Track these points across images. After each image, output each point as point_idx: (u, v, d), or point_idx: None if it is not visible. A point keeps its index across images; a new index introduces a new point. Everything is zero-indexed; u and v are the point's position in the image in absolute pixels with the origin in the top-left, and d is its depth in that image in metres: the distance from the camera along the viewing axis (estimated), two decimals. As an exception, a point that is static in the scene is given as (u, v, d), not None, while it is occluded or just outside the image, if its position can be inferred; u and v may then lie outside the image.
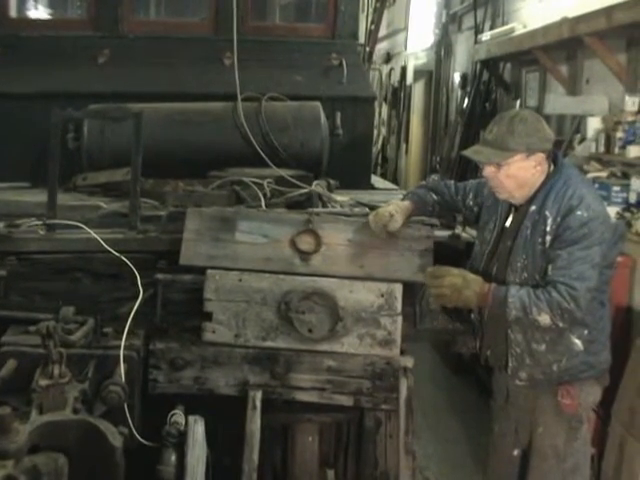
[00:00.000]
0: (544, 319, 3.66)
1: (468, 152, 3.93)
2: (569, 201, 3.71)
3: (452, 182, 4.42)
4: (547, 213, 3.75)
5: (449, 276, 3.82)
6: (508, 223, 3.98)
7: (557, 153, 4.00)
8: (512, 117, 3.81)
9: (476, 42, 11.29)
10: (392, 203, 4.20)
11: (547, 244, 3.74)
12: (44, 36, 6.27)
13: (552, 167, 3.89)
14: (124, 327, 3.80)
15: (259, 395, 4.00)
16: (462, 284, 3.79)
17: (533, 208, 3.82)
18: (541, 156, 3.78)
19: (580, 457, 4.07)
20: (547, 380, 3.93)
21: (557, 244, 3.70)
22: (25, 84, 5.91)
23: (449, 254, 4.28)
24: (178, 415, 3.77)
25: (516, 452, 4.18)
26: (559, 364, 3.87)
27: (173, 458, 3.62)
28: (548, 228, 3.74)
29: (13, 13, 6.78)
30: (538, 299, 3.65)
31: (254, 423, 3.97)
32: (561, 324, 3.69)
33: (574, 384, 3.91)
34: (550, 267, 3.71)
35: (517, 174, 3.77)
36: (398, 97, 16.19)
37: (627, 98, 6.90)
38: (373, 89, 9.38)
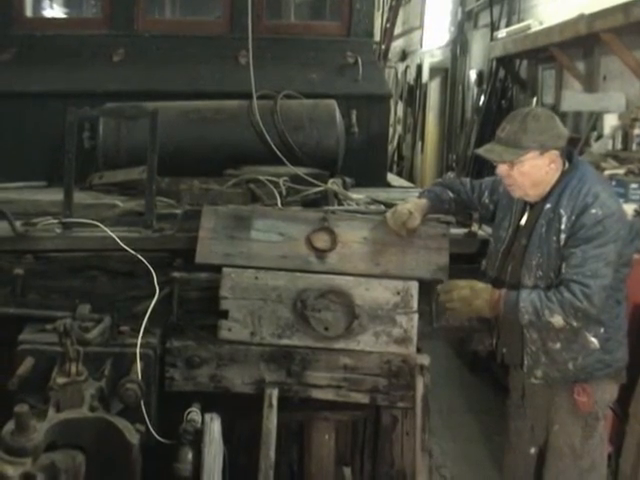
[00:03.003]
0: (557, 320, 3.66)
1: (481, 150, 3.91)
2: (584, 199, 3.70)
3: (468, 180, 4.42)
4: (562, 211, 3.74)
5: (457, 289, 3.86)
6: (523, 221, 3.97)
7: (572, 150, 3.98)
8: (525, 115, 3.80)
9: (492, 39, 11.28)
10: (409, 201, 4.20)
11: (562, 242, 3.73)
12: (59, 35, 6.28)
13: (567, 164, 3.87)
14: (140, 325, 3.81)
15: (275, 393, 4.00)
16: (471, 295, 3.84)
17: (548, 206, 3.81)
18: (555, 154, 3.77)
19: (597, 455, 4.05)
20: (563, 378, 3.92)
21: (571, 242, 3.69)
22: (41, 83, 5.92)
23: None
24: (194, 413, 3.78)
25: (532, 450, 4.17)
26: (575, 362, 3.86)
27: (190, 456, 3.63)
28: (563, 226, 3.73)
29: (29, 13, 6.81)
30: (550, 301, 3.65)
31: (270, 421, 3.96)
32: (575, 323, 3.69)
33: (590, 382, 3.89)
34: (564, 265, 3.70)
35: (531, 172, 3.76)
36: (414, 95, 16.19)
37: (644, 95, 6.88)
38: (389, 87, 9.37)
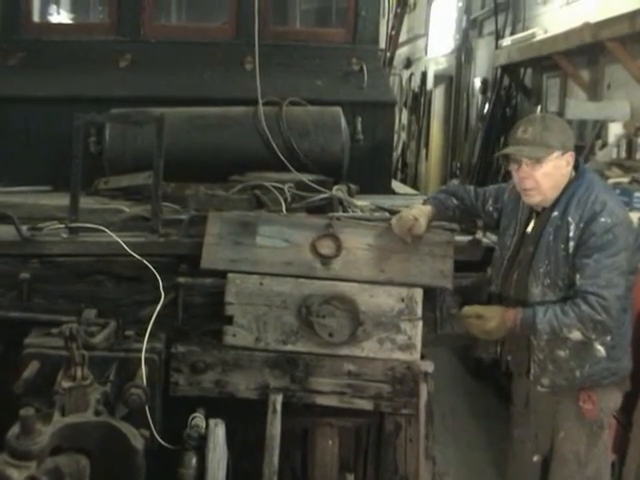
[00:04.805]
0: (576, 335, 3.69)
1: (510, 149, 3.84)
2: (592, 207, 3.70)
3: (472, 187, 4.42)
4: (570, 219, 3.74)
5: (467, 318, 3.89)
6: (529, 229, 3.97)
7: (579, 158, 3.99)
8: (542, 117, 3.90)
9: (497, 47, 11.29)
10: (414, 207, 4.21)
11: (570, 250, 3.73)
12: (66, 41, 6.30)
13: (573, 173, 3.88)
14: (146, 330, 3.82)
15: (279, 399, 4.01)
16: (481, 322, 3.84)
17: (555, 214, 3.81)
18: (571, 155, 3.80)
19: (601, 463, 4.06)
20: (569, 386, 3.91)
21: (582, 251, 3.68)
22: (47, 88, 5.94)
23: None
24: (199, 418, 3.79)
25: (536, 458, 4.16)
26: (582, 370, 3.86)
27: (194, 461, 3.64)
28: (571, 234, 3.72)
29: (36, 18, 6.82)
30: (566, 316, 3.64)
31: (274, 427, 3.97)
32: (594, 336, 3.70)
33: (596, 390, 3.90)
34: (578, 276, 3.70)
35: (553, 172, 3.76)
36: (418, 102, 16.20)
37: (649, 104, 6.88)
38: (394, 94, 9.38)
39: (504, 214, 4.17)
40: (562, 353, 3.85)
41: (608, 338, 3.81)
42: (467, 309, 3.93)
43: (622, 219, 3.72)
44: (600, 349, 3.82)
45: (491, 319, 3.81)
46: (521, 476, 4.29)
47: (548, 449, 4.09)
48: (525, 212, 4.00)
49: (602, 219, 3.65)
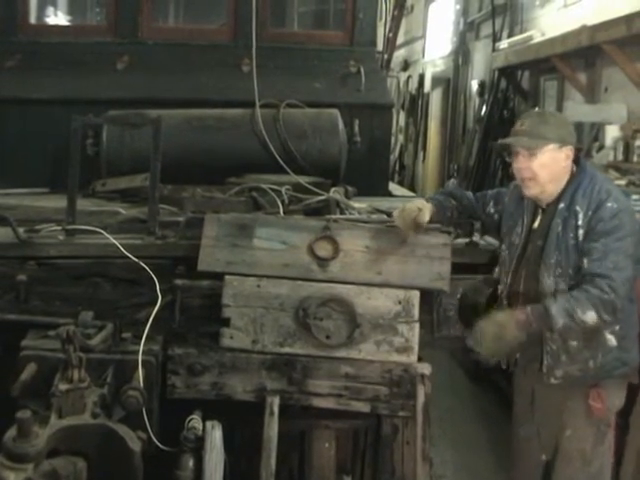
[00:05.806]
0: (591, 317, 3.65)
1: (506, 140, 3.93)
2: (598, 195, 3.78)
3: (470, 192, 4.46)
4: (577, 208, 3.80)
5: (483, 334, 3.75)
6: (536, 224, 4.00)
7: (579, 155, 4.03)
8: (541, 112, 3.98)
9: (494, 50, 11.31)
10: (416, 200, 4.22)
11: (580, 238, 3.78)
12: (64, 42, 6.32)
13: (575, 168, 3.93)
14: (143, 332, 3.82)
15: (276, 401, 4.00)
16: (499, 330, 3.71)
17: (562, 205, 3.86)
18: (570, 149, 3.85)
19: (605, 461, 4.07)
20: (583, 378, 3.91)
21: (590, 236, 3.74)
22: (45, 90, 5.95)
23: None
24: (196, 420, 3.78)
25: (543, 456, 4.13)
26: (595, 360, 3.87)
27: (191, 463, 3.64)
28: (580, 222, 3.78)
29: (33, 20, 6.83)
30: (578, 300, 3.65)
31: (271, 429, 3.97)
32: (606, 317, 3.68)
33: (605, 386, 3.91)
34: (585, 260, 3.74)
35: (550, 165, 3.81)
36: (416, 105, 16.21)
37: (646, 106, 6.90)
38: (391, 96, 9.37)
39: (507, 216, 4.19)
40: (575, 343, 3.85)
41: (617, 327, 3.84)
42: (483, 323, 3.77)
43: (626, 206, 3.84)
44: (611, 338, 3.84)
45: (508, 322, 3.70)
46: (529, 476, 4.25)
47: (553, 447, 4.07)
48: (530, 209, 4.04)
49: (609, 204, 3.73)
